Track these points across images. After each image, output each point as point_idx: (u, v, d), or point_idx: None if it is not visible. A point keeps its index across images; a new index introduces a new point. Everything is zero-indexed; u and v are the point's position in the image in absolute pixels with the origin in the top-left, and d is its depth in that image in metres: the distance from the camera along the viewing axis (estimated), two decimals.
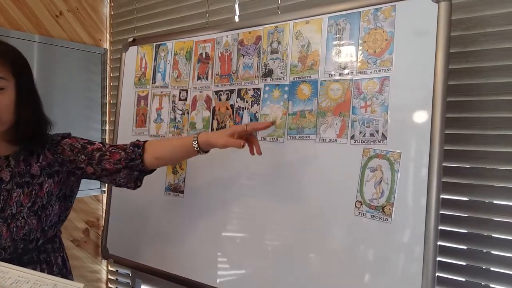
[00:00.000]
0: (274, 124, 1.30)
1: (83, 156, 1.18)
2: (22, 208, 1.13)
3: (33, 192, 1.15)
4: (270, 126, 1.20)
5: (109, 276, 2.32)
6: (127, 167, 1.17)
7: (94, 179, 1.23)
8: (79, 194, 2.12)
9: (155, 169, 1.24)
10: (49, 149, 1.20)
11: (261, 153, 1.17)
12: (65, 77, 2.09)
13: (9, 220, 1.11)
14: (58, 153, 1.20)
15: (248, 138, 1.17)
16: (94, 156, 1.18)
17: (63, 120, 2.07)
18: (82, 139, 1.23)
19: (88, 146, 1.20)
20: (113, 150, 1.19)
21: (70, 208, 1.28)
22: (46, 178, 1.17)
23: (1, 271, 0.92)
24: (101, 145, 1.21)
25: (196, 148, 1.16)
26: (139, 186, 1.24)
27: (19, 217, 1.12)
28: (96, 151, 1.18)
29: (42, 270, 1.18)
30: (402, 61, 1.12)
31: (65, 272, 1.27)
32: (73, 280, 1.30)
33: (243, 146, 1.11)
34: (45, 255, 1.21)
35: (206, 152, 1.19)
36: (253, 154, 1.18)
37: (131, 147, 1.19)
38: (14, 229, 1.11)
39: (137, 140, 1.22)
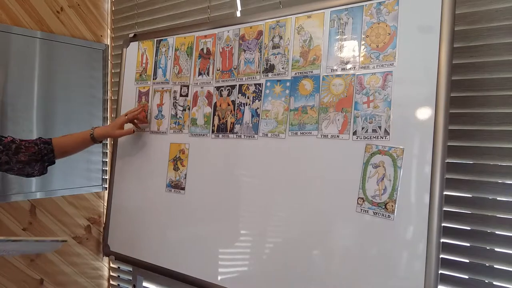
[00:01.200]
0: (145, 110, 1.69)
1: (0, 147, 1.35)
2: None
3: None
4: (142, 108, 1.67)
5: (111, 273, 2.32)
6: (41, 160, 1.44)
7: (4, 170, 1.40)
8: (81, 191, 2.15)
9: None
10: None
11: (147, 122, 1.67)
12: (66, 73, 2.08)
13: None
14: None
15: (133, 122, 1.65)
16: (11, 147, 1.38)
17: (65, 116, 2.07)
18: None
19: (3, 138, 1.38)
20: (27, 145, 1.42)
21: None
22: None
23: None
24: (13, 138, 1.40)
25: (93, 141, 1.54)
26: (45, 173, 1.50)
27: None
28: (11, 143, 1.38)
29: None
30: (405, 56, 1.11)
31: None
32: None
33: (134, 131, 1.63)
34: None
35: (101, 141, 1.59)
36: (139, 127, 1.68)
37: (41, 144, 1.44)
38: None
39: (41, 137, 1.48)
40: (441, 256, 1.16)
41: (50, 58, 2.01)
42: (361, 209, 1.14)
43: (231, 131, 1.43)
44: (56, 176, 2.01)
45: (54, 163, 1.50)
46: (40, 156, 1.43)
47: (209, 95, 1.51)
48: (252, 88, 1.40)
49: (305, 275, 1.22)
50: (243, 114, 1.41)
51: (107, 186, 2.19)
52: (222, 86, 1.48)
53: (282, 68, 1.33)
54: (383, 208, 1.10)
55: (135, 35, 1.79)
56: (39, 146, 1.44)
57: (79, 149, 1.58)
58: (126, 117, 1.60)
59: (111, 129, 1.57)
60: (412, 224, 1.06)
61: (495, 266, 1.19)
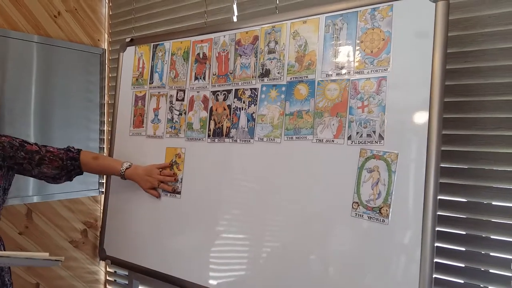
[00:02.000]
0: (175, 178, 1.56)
1: (22, 153, 1.34)
2: None
3: None
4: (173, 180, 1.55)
5: (107, 277, 2.31)
6: (66, 174, 1.45)
7: (28, 176, 1.41)
8: (77, 195, 2.15)
9: None
10: None
11: (176, 180, 1.55)
12: (63, 77, 2.08)
13: None
14: None
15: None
16: (34, 157, 1.36)
17: (62, 120, 2.07)
18: (16, 138, 1.37)
19: (26, 144, 1.36)
20: (51, 157, 1.40)
21: (5, 202, 1.37)
22: None
23: None
24: (37, 147, 1.39)
25: (120, 176, 1.55)
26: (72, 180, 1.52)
27: None
28: (35, 153, 1.37)
29: None
30: (400, 61, 1.11)
31: None
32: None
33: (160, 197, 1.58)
34: None
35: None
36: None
37: (68, 160, 1.43)
38: None
39: (71, 151, 1.46)
40: (437, 260, 1.16)
41: (47, 62, 2.02)
42: (356, 214, 1.14)
43: (227, 135, 1.44)
44: None
45: (82, 174, 1.52)
46: (65, 172, 1.45)
47: (205, 100, 1.52)
48: (248, 93, 1.40)
49: (301, 279, 1.22)
50: (239, 119, 1.41)
51: (103, 190, 2.19)
52: (218, 91, 1.48)
53: (278, 73, 1.33)
54: (378, 213, 1.10)
55: (132, 39, 1.80)
56: (65, 162, 1.43)
57: (103, 175, 1.58)
58: (159, 186, 1.55)
59: (143, 182, 1.54)
60: (407, 229, 1.06)
61: (490, 271, 1.19)
